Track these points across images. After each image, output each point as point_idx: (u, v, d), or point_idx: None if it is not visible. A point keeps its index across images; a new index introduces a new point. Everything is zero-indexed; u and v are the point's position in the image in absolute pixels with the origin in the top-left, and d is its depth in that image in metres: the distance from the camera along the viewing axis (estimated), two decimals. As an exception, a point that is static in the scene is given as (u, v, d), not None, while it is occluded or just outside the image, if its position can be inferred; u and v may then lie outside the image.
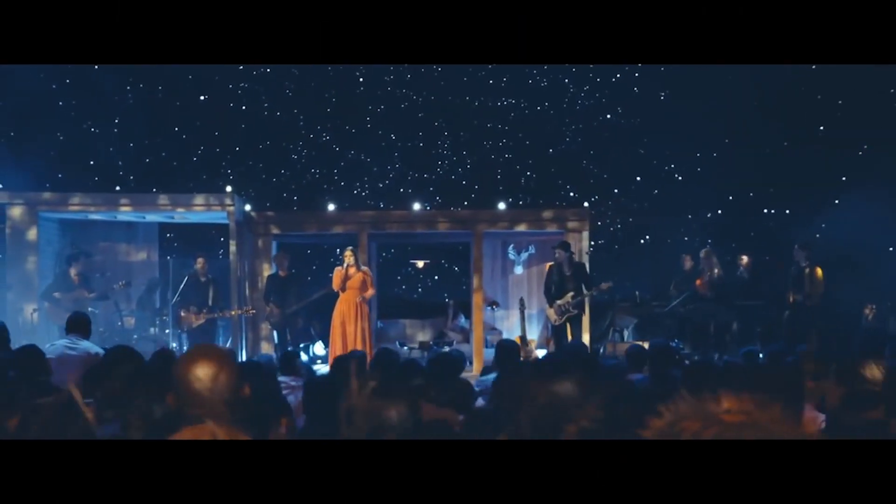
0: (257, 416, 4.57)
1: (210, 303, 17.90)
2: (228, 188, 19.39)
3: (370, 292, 17.79)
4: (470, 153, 22.68)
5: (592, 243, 22.76)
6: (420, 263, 24.02)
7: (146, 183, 20.61)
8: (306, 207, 20.15)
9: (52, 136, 21.05)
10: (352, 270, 17.62)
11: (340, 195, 21.21)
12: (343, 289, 17.64)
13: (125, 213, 19.03)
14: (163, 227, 20.82)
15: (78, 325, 10.99)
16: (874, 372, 5.24)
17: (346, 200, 21.23)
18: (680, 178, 22.98)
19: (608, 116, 22.84)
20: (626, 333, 20.09)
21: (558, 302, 17.75)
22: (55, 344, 10.99)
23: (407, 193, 21.94)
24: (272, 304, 18.64)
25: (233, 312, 18.02)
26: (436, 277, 23.23)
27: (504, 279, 21.50)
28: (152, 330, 18.83)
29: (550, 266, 18.30)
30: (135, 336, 18.47)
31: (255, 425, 4.34)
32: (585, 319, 18.70)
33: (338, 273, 17.68)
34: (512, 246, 21.28)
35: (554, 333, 18.16)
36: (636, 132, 21.20)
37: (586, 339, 18.74)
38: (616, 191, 22.59)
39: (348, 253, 17.64)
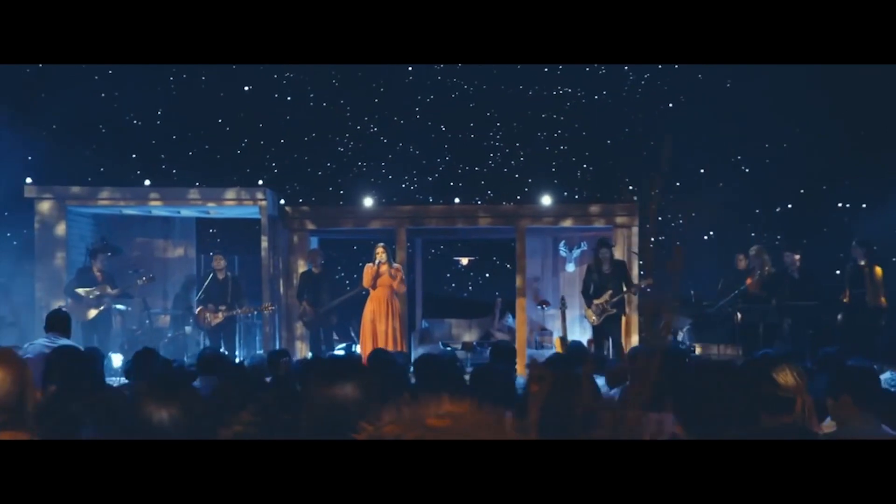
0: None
1: (228, 300, 18.06)
2: (260, 182, 19.52)
3: (399, 287, 17.94)
4: (524, 145, 22.60)
5: (653, 239, 22.58)
6: (464, 260, 24.08)
7: (189, 176, 20.93)
8: (348, 202, 20.31)
9: (94, 129, 21.45)
10: (383, 267, 17.84)
11: (387, 189, 21.33)
12: (373, 286, 17.87)
13: (159, 208, 19.47)
14: (200, 222, 21.13)
15: (56, 323, 11.29)
16: (787, 378, 5.35)
17: (393, 195, 21.35)
18: (747, 170, 22.61)
19: (670, 105, 22.58)
20: (681, 335, 19.81)
21: (596, 301, 17.79)
22: (34, 343, 11.29)
23: (457, 188, 21.96)
24: (305, 303, 18.81)
25: (251, 310, 18.19)
26: (486, 275, 23.20)
27: (555, 277, 21.49)
28: (187, 329, 19.13)
29: (589, 264, 18.32)
30: (169, 334, 18.78)
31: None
32: (633, 319, 18.59)
33: (368, 270, 17.91)
34: (563, 242, 21.20)
35: (593, 334, 18.18)
36: (700, 122, 20.91)
37: (634, 339, 18.78)
38: (678, 184, 22.29)
39: (379, 249, 17.86)
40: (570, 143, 22.76)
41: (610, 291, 17.72)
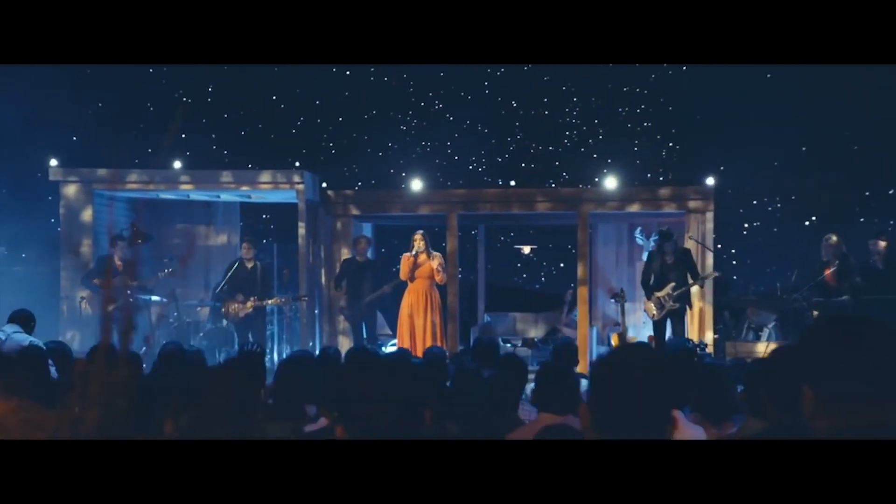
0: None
1: (258, 290, 17.96)
2: (297, 163, 19.32)
3: (441, 278, 17.75)
4: (602, 122, 22.02)
5: (746, 225, 21.88)
6: (526, 249, 23.72)
7: (242, 159, 20.92)
8: (396, 185, 20.21)
9: (143, 107, 21.58)
10: (422, 257, 17.65)
11: (440, 171, 20.99)
12: (411, 278, 17.71)
13: (196, 193, 19.59)
14: (245, 207, 21.18)
15: (19, 318, 11.48)
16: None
17: (447, 177, 21.00)
18: (856, 147, 21.58)
19: (768, 76, 21.68)
20: (766, 332, 19.07)
21: (657, 294, 17.41)
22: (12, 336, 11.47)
23: (530, 169, 21.48)
24: (344, 293, 18.69)
25: (281, 301, 18.10)
26: (561, 265, 22.70)
27: (631, 266, 21.04)
28: (225, 322, 19.04)
29: (650, 252, 18.04)
30: (207, 325, 18.71)
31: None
32: (706, 312, 18.27)
33: (406, 260, 17.72)
34: (639, 229, 20.62)
35: (654, 330, 17.79)
36: (800, 94, 20.03)
37: (708, 336, 18.43)
38: (776, 164, 21.47)
39: (417, 236, 17.66)
40: (654, 118, 22.04)
41: (672, 283, 17.28)
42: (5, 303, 17.41)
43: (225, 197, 20.16)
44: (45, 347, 9.14)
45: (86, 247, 18.52)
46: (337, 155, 22.20)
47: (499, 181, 19.45)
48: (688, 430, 5.85)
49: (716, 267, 18.18)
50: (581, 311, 19.01)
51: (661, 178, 21.82)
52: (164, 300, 18.71)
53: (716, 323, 19.23)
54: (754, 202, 22.22)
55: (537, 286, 23.01)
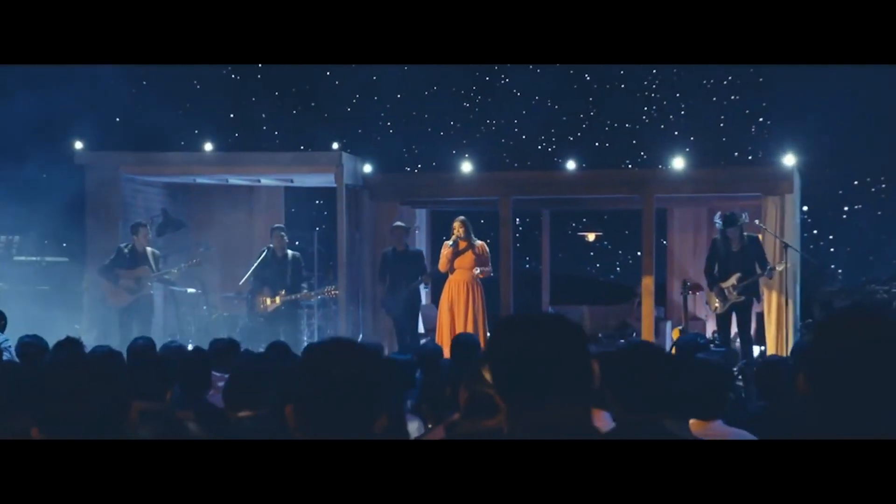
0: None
1: (288, 283, 17.75)
2: (335, 145, 19.05)
3: (485, 270, 17.47)
4: (685, 95, 21.34)
5: (846, 209, 21.05)
6: (590, 236, 23.11)
7: (293, 138, 20.74)
8: (446, 168, 19.91)
9: (188, 85, 21.51)
10: (462, 245, 17.35)
11: (515, 152, 20.62)
12: (451, 269, 17.44)
13: (229, 176, 19.54)
14: (290, 192, 21.06)
15: None
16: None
17: (528, 158, 20.65)
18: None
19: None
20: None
21: (721, 285, 16.92)
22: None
23: (604, 148, 20.93)
24: (381, 287, 18.50)
25: (312, 295, 18.02)
26: (638, 254, 22.07)
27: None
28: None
29: (714, 238, 17.47)
30: (242, 322, 18.50)
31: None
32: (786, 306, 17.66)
33: (445, 250, 17.45)
34: (719, 214, 19.80)
35: (717, 324, 17.42)
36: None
37: (770, 333, 17.89)
38: (880, 140, 20.56)
39: (457, 224, 17.42)
40: (742, 90, 21.25)
41: (738, 274, 16.75)
42: (25, 295, 17.66)
43: (266, 181, 20.01)
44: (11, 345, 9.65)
45: (113, 235, 18.32)
46: (395, 134, 21.90)
47: (569, 162, 18.77)
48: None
49: (788, 256, 17.37)
50: (645, 305, 18.53)
51: (749, 157, 21.04)
52: (196, 291, 18.73)
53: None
54: (855, 182, 21.28)
55: (612, 277, 22.41)
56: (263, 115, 22.13)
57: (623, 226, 22.68)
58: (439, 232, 21.01)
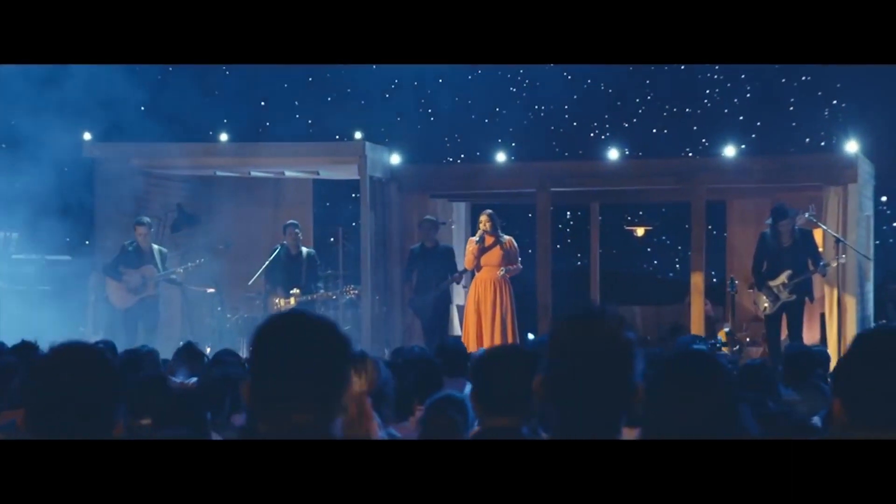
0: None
1: (303, 282, 17.63)
2: (358, 134, 18.84)
3: (512, 269, 17.16)
4: (750, 77, 20.69)
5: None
6: (639, 231, 22.74)
7: (327, 125, 20.46)
8: (481, 158, 19.83)
9: (220, 72, 21.33)
10: (489, 241, 17.06)
11: (564, 140, 20.18)
12: (478, 266, 17.19)
13: (236, 169, 19.45)
14: (319, 184, 20.91)
15: None
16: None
17: (580, 147, 20.24)
18: None
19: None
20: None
21: (770, 283, 16.60)
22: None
23: (662, 135, 20.43)
24: (408, 286, 18.34)
25: (329, 295, 17.95)
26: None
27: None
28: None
29: (763, 233, 17.05)
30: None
31: None
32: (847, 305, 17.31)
33: (471, 246, 17.22)
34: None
35: (766, 327, 17.22)
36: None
37: (852, 334, 17.12)
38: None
39: (483, 218, 17.15)
40: (814, 71, 20.53)
41: (789, 271, 16.38)
42: (24, 296, 17.50)
43: (290, 174, 19.82)
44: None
45: (123, 231, 18.11)
46: (437, 122, 21.52)
47: (611, 151, 18.28)
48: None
49: (846, 251, 16.90)
50: (695, 305, 18.04)
51: (822, 144, 20.39)
52: (212, 291, 18.59)
53: (877, 318, 17.89)
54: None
55: (671, 274, 21.85)
56: (296, 102, 21.85)
57: (684, 219, 22.04)
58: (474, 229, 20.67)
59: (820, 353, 10.70)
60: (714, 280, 19.14)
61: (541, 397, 3.57)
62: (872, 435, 3.25)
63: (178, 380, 8.58)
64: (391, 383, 6.85)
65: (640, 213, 23.13)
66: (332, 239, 20.45)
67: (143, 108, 20.23)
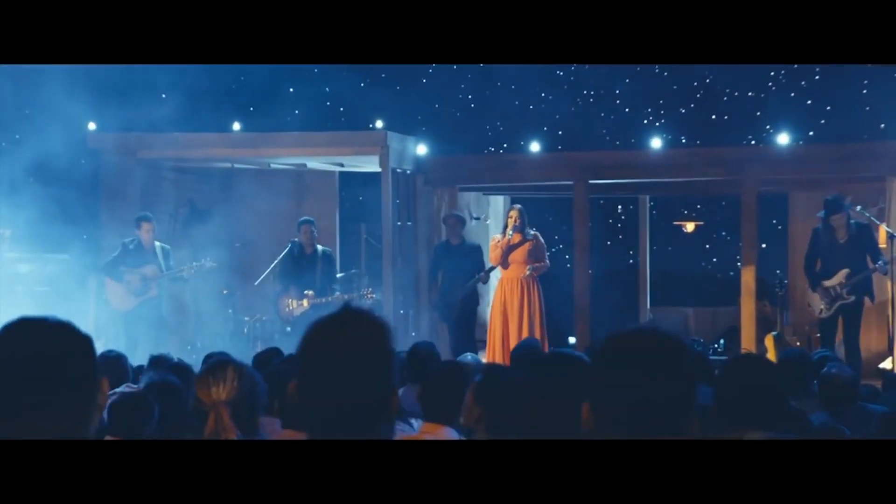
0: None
1: (317, 284, 17.30)
2: (379, 123, 18.73)
3: (539, 267, 16.89)
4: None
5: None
6: (689, 226, 22.34)
7: (359, 115, 20.23)
8: (512, 148, 19.72)
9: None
10: (516, 238, 16.84)
11: (615, 128, 19.85)
12: (504, 264, 16.97)
13: (253, 160, 19.42)
14: (345, 177, 20.64)
15: None
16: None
17: (633, 135, 19.92)
18: None
19: None
20: None
21: (826, 283, 16.11)
22: None
23: (722, 122, 19.92)
24: (436, 285, 17.96)
25: (344, 297, 17.19)
26: (763, 246, 20.93)
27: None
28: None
29: (815, 228, 16.63)
30: (289, 329, 17.83)
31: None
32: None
33: (496, 243, 17.07)
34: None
35: (820, 331, 16.88)
36: None
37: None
38: None
39: (513, 213, 17.00)
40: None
41: (846, 270, 15.85)
42: (19, 297, 17.19)
43: (313, 165, 19.73)
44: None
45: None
46: (477, 110, 21.30)
47: (654, 140, 17.82)
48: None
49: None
50: (745, 306, 17.72)
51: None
52: (224, 292, 18.49)
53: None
54: None
55: (732, 273, 21.22)
56: (327, 89, 21.67)
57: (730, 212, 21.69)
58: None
59: (821, 359, 10.04)
60: (776, 279, 18.44)
61: (293, 400, 3.62)
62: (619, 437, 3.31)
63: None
64: (263, 388, 6.44)
65: (698, 206, 22.84)
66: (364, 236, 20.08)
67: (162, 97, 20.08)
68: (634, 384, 3.30)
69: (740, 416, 5.39)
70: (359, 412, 3.47)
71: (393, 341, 3.59)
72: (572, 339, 18.06)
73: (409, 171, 18.27)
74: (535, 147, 18.59)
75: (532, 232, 16.87)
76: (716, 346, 17.80)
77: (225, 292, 18.52)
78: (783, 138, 17.86)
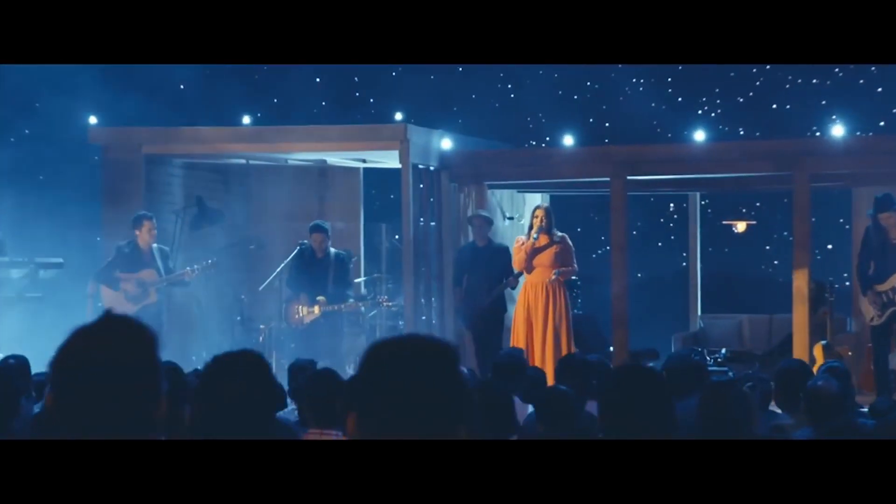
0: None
1: (329, 289, 16.95)
2: (399, 115, 18.78)
3: (566, 271, 16.78)
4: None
5: None
6: (740, 226, 21.84)
7: (385, 106, 20.33)
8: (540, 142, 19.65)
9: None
10: (542, 240, 16.68)
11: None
12: (528, 268, 16.79)
13: (271, 156, 19.17)
14: (370, 174, 20.44)
15: None
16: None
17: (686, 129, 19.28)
18: None
19: None
20: None
21: (878, 288, 15.76)
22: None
23: (778, 112, 19.20)
24: (460, 291, 17.68)
25: (358, 305, 17.49)
26: (828, 247, 20.55)
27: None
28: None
29: (867, 230, 16.33)
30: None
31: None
32: None
33: (520, 245, 16.90)
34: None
35: (871, 339, 16.46)
36: None
37: None
38: None
39: (539, 213, 16.87)
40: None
41: None
42: (11, 304, 16.98)
43: (333, 161, 19.55)
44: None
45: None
46: (516, 100, 20.83)
47: (698, 133, 17.55)
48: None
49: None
50: (798, 312, 17.22)
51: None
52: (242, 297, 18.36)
53: None
54: None
55: (781, 279, 20.81)
56: (355, 79, 21.81)
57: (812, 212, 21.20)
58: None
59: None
60: (840, 283, 17.93)
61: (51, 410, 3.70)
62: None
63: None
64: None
65: (757, 204, 22.55)
66: (396, 237, 19.70)
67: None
68: (396, 391, 3.29)
69: (624, 425, 5.30)
70: (116, 421, 3.49)
71: (157, 349, 3.70)
72: (612, 349, 17.69)
73: (432, 168, 17.94)
74: (568, 141, 18.41)
75: (560, 234, 16.66)
76: (717, 356, 17.43)
77: (243, 297, 18.31)
78: (837, 130, 17.52)
